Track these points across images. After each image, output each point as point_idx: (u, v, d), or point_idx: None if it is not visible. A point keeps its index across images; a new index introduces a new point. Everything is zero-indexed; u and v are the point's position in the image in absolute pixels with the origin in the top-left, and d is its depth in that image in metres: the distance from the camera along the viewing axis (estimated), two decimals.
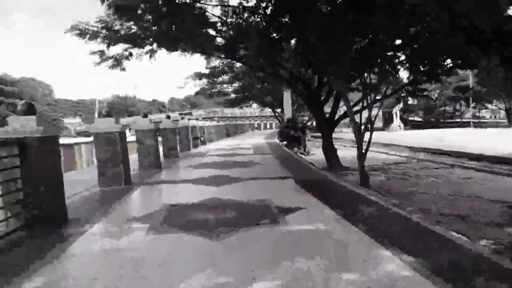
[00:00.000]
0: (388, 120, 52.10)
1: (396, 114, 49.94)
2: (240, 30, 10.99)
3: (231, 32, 11.48)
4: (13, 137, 4.23)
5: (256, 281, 2.79)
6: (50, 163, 4.65)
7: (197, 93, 35.36)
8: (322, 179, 7.96)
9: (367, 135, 9.94)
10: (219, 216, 4.77)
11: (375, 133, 10.74)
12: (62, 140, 27.20)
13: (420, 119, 64.51)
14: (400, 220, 4.48)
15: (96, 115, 52.02)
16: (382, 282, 2.71)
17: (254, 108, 63.18)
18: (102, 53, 11.77)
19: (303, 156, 17.33)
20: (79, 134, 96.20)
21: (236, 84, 27.74)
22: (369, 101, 10.29)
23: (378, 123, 55.54)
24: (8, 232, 4.02)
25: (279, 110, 32.18)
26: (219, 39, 12.60)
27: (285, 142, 18.20)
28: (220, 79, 26.83)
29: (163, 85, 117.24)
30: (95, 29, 11.23)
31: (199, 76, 25.58)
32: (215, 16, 11.12)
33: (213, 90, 29.39)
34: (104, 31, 11.23)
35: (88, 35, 11.21)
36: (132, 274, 3.10)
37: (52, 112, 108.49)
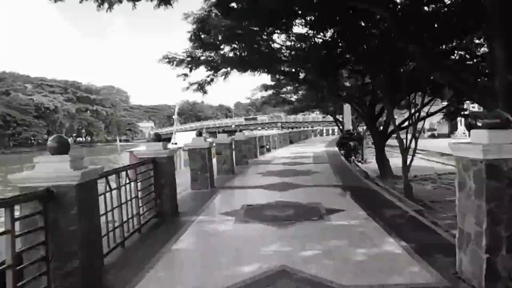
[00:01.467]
0: (454, 127, 51.15)
1: (460, 121, 48.95)
2: (302, 57, 13.08)
3: (294, 58, 13.58)
4: (150, 157, 6.56)
5: (305, 250, 4.77)
6: (170, 174, 6.96)
7: (263, 103, 37.77)
8: (364, 187, 9.74)
9: (425, 142, 11.40)
10: (283, 213, 6.81)
11: (436, 140, 12.13)
12: (135, 149, 30.50)
13: None
14: (411, 220, 6.26)
15: (175, 117, 56.67)
16: (382, 255, 4.58)
17: (317, 114, 64.28)
18: (185, 75, 14.34)
19: (359, 164, 18.93)
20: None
21: (300, 93, 29.63)
22: (414, 119, 11.83)
23: (444, 130, 54.59)
24: (147, 220, 6.31)
25: (340, 116, 33.63)
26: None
27: (343, 152, 19.85)
28: (284, 89, 28.92)
29: (230, 89, 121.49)
30: (181, 57, 13.79)
31: (265, 87, 27.90)
32: (282, 46, 13.30)
33: (278, 99, 31.59)
34: (188, 59, 13.75)
35: (175, 62, 13.80)
36: (228, 245, 5.23)
37: (129, 117, 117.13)
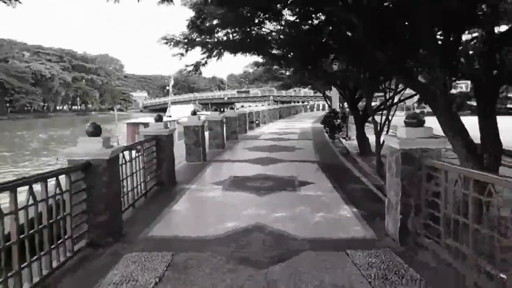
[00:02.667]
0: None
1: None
2: (288, 43, 14.20)
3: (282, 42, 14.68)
4: (153, 135, 7.83)
5: (276, 213, 6.14)
6: (169, 148, 8.25)
7: (254, 80, 38.79)
8: (338, 164, 11.13)
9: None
10: (263, 184, 8.18)
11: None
12: (132, 120, 31.76)
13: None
14: (368, 192, 7.65)
15: (171, 90, 57.51)
16: (336, 218, 5.96)
17: (308, 89, 65.16)
18: (181, 55, 15.39)
19: (344, 140, 20.29)
20: (146, 107, 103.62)
21: (290, 69, 30.62)
22: (388, 104, 13.12)
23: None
24: (150, 187, 7.62)
25: (330, 92, 34.75)
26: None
27: (327, 129, 21.15)
28: (275, 66, 29.92)
29: (223, 62, 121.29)
30: (178, 39, 14.82)
31: (257, 65, 28.88)
32: (271, 31, 14.37)
33: (269, 76, 32.64)
34: (185, 40, 14.79)
35: (173, 43, 14.83)
36: (216, 207, 6.60)
37: (123, 86, 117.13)
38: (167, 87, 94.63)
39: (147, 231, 5.33)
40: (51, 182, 3.96)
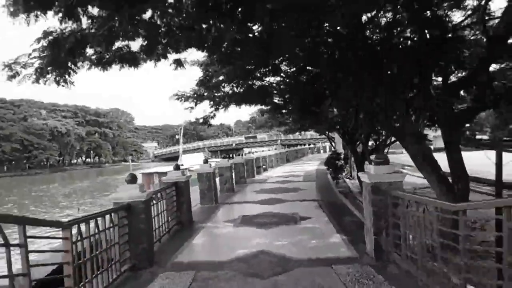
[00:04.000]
0: None
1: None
2: (288, 91, 15.84)
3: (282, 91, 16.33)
4: (173, 181, 9.23)
5: (279, 241, 7.39)
6: (187, 193, 9.62)
7: (260, 126, 40.42)
8: (337, 202, 12.35)
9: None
10: (269, 220, 9.44)
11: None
12: (145, 170, 33.50)
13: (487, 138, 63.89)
14: (358, 224, 8.87)
15: (181, 139, 59.74)
16: (327, 243, 7.19)
17: (313, 131, 66.66)
18: (191, 108, 17.07)
19: (348, 180, 21.49)
20: (156, 157, 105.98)
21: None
22: (381, 145, 14.50)
23: (440, 143, 56.93)
24: (172, 226, 8.91)
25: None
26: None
27: (330, 170, 22.44)
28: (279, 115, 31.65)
29: (230, 109, 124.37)
30: (188, 95, 16.55)
31: (262, 112, 30.67)
32: (271, 83, 16.07)
33: (274, 122, 34.31)
34: (195, 95, 16.50)
35: (183, 98, 16.55)
36: (228, 240, 7.87)
37: (134, 138, 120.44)
38: (177, 136, 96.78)
39: (173, 258, 6.62)
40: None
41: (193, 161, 30.39)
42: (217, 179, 14.62)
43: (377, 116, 9.32)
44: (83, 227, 4.66)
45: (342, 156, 23.26)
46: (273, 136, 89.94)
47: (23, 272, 3.33)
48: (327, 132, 37.03)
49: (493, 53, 7.14)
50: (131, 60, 8.22)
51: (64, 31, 5.91)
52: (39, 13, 5.11)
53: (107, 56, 7.87)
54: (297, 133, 68.50)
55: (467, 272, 3.88)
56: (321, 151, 62.51)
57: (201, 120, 16.65)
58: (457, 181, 7.88)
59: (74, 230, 4.40)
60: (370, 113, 9.72)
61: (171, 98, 16.64)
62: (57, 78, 6.70)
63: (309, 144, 68.84)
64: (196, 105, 16.84)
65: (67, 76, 6.79)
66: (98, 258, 4.99)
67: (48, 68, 6.40)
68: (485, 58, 7.32)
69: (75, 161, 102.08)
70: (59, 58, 6.20)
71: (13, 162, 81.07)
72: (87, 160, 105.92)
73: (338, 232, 7.96)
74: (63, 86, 6.73)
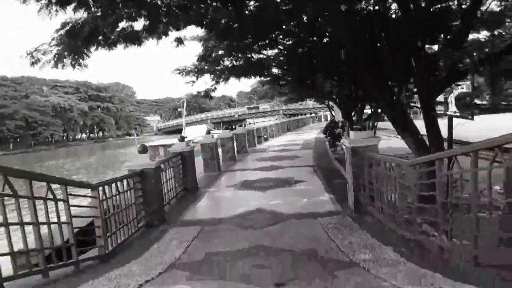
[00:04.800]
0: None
1: (451, 102, 51.68)
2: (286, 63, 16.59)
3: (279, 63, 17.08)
4: (178, 151, 10.19)
5: (275, 200, 8.39)
6: (191, 162, 10.59)
7: (261, 97, 41.13)
8: (331, 167, 13.31)
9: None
10: (266, 184, 10.43)
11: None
12: (150, 143, 34.50)
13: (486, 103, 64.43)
14: (346, 185, 9.84)
15: (184, 112, 60.75)
16: (316, 201, 8.18)
17: (314, 101, 67.18)
18: (193, 82, 17.88)
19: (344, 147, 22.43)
20: (160, 130, 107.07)
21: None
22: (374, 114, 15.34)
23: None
24: (178, 192, 9.92)
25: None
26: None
27: (328, 138, 23.36)
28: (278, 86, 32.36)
29: (232, 80, 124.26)
30: (190, 69, 17.32)
31: (262, 83, 31.37)
32: (269, 56, 16.78)
33: (274, 92, 35.04)
34: (196, 69, 17.28)
35: (184, 72, 17.34)
36: (229, 201, 8.89)
37: (136, 111, 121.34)
38: (179, 109, 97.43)
39: (181, 217, 7.67)
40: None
41: (196, 133, 31.22)
42: (220, 150, 15.56)
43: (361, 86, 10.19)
44: (107, 189, 5.65)
45: (340, 124, 24.11)
46: (275, 106, 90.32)
47: (67, 221, 4.31)
48: (326, 102, 37.88)
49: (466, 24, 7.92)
50: (135, 38, 9.00)
51: (78, 21, 6.73)
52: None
53: (112, 37, 8.65)
54: (298, 103, 69.10)
55: (419, 213, 4.83)
56: (322, 120, 63.19)
57: (202, 93, 17.49)
58: (432, 143, 8.79)
59: (101, 192, 5.39)
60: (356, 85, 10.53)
61: (173, 72, 17.42)
62: (73, 62, 7.55)
63: (311, 114, 69.50)
64: (197, 78, 17.63)
65: (81, 60, 7.64)
66: (120, 215, 6.00)
67: (65, 54, 7.24)
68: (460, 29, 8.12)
69: (79, 136, 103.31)
70: (75, 45, 7.05)
71: (18, 140, 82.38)
72: (91, 135, 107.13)
73: (327, 192, 8.95)
74: (78, 69, 7.58)
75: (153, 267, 4.73)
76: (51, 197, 4.08)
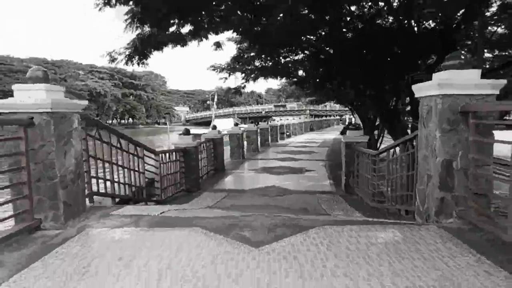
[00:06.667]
0: None
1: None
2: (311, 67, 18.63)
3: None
4: (211, 138, 12.43)
5: (286, 181, 10.53)
6: (221, 148, 12.83)
7: (287, 97, 42.97)
8: (339, 162, 15.30)
9: None
10: (282, 170, 12.58)
11: None
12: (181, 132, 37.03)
13: None
14: None
15: (214, 105, 63.73)
16: (319, 184, 10.27)
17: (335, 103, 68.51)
18: (225, 79, 20.14)
19: None
20: (188, 121, 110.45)
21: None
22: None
23: None
24: (209, 171, 12.16)
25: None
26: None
27: None
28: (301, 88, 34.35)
29: (260, 79, 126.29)
30: (223, 67, 19.58)
31: (290, 83, 33.45)
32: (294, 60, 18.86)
33: (301, 93, 37.04)
34: (228, 67, 19.52)
35: (219, 69, 19.61)
36: (250, 180, 11.09)
37: (166, 101, 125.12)
38: (208, 102, 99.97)
39: (213, 186, 9.93)
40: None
41: (224, 126, 33.64)
42: (245, 142, 17.78)
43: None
44: (163, 157, 7.91)
45: (357, 126, 26.05)
46: (302, 105, 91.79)
47: (142, 171, 6.57)
48: (349, 105, 39.68)
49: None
50: (181, 40, 11.29)
51: (145, 33, 9.06)
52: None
53: (164, 40, 10.93)
54: (323, 104, 70.68)
55: (381, 195, 6.89)
56: (347, 122, 64.63)
57: (233, 90, 19.74)
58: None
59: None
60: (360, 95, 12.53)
61: (208, 69, 19.72)
62: (139, 62, 9.91)
63: (335, 116, 70.93)
64: (229, 75, 19.88)
65: (145, 60, 9.99)
66: (170, 178, 8.26)
67: (135, 55, 9.60)
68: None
69: (111, 122, 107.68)
70: (142, 49, 9.39)
71: None
72: (121, 121, 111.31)
73: (329, 179, 11.04)
74: (142, 66, 9.93)
75: (195, 207, 6.97)
76: (139, 154, 6.34)
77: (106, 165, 5.34)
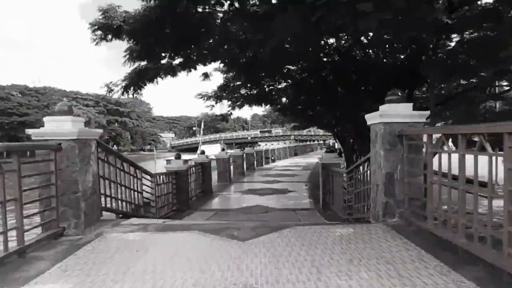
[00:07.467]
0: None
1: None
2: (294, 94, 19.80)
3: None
4: (199, 162, 13.32)
5: (270, 201, 11.42)
6: (208, 171, 13.71)
7: (273, 122, 44.20)
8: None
9: None
10: (266, 191, 13.47)
11: None
12: (169, 159, 37.74)
13: None
14: None
15: (201, 131, 64.83)
16: (300, 202, 11.18)
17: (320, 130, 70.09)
18: (212, 106, 21.16)
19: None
20: (173, 147, 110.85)
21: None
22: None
23: None
24: (198, 193, 12.98)
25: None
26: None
27: None
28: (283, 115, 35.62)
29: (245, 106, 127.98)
30: (210, 95, 20.63)
31: (274, 110, 34.69)
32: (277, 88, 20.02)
33: (284, 120, 38.29)
34: (215, 95, 20.56)
35: (206, 97, 20.64)
36: (236, 200, 11.96)
37: (151, 128, 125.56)
38: (194, 128, 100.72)
39: (201, 207, 10.78)
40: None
41: (211, 151, 34.53)
42: (231, 166, 18.68)
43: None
44: (158, 179, 8.76)
45: (338, 151, 27.20)
46: (287, 131, 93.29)
47: (140, 191, 7.40)
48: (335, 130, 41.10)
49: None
50: (172, 72, 12.26)
51: (142, 67, 10.05)
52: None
53: (158, 72, 11.88)
54: (307, 130, 72.27)
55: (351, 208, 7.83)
56: (330, 146, 66.10)
57: (220, 117, 20.73)
58: None
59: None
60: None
61: (196, 97, 20.69)
62: (133, 92, 10.85)
63: (319, 141, 72.50)
64: (216, 103, 20.90)
65: (139, 90, 10.94)
66: (163, 198, 9.08)
67: (130, 87, 10.55)
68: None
69: None
70: (137, 81, 10.36)
71: None
72: None
73: (309, 198, 11.98)
74: (136, 96, 10.85)
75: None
76: (137, 175, 7.20)
77: (112, 184, 6.19)
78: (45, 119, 4.58)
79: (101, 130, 5.17)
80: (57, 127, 4.47)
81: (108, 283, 2.93)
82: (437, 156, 3.64)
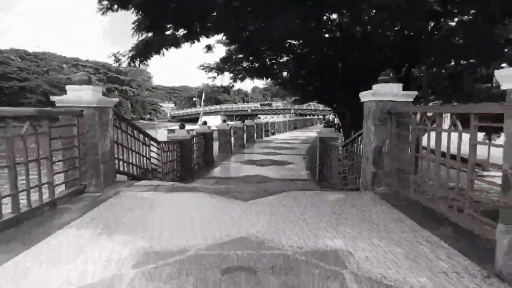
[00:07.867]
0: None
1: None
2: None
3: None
4: (201, 132, 13.80)
5: (269, 171, 11.96)
6: (211, 142, 14.19)
7: (273, 96, 44.35)
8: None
9: None
10: (265, 162, 14.01)
11: None
12: (171, 127, 38.20)
13: None
14: None
15: (202, 102, 65.07)
16: (297, 174, 11.73)
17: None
18: (214, 78, 21.47)
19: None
20: (173, 117, 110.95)
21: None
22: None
23: None
24: (200, 162, 13.51)
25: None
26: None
27: None
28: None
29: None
30: (212, 66, 20.91)
31: (275, 84, 34.90)
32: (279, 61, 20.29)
33: (284, 93, 38.53)
34: (217, 67, 20.86)
35: (208, 69, 20.93)
36: (236, 169, 12.51)
37: (152, 97, 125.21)
38: (194, 99, 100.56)
39: (203, 175, 11.31)
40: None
41: (213, 122, 34.96)
42: (232, 138, 19.17)
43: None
44: (164, 146, 9.26)
45: (336, 126, 27.67)
46: (287, 105, 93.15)
47: (149, 157, 7.91)
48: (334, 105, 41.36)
49: None
50: (175, 43, 12.58)
51: (148, 39, 10.39)
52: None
53: (163, 44, 12.20)
54: (311, 103, 72.41)
55: (345, 179, 8.36)
56: (330, 121, 66.50)
57: (222, 89, 21.09)
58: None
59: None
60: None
61: (198, 68, 20.97)
62: (140, 62, 11.21)
63: (319, 115, 72.81)
64: (218, 75, 21.18)
65: (145, 61, 11.30)
66: (168, 164, 9.59)
67: (137, 57, 10.91)
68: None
69: None
70: (144, 52, 10.71)
71: None
72: None
73: (307, 170, 12.52)
74: (143, 66, 11.23)
75: None
76: (146, 142, 7.70)
77: (124, 149, 6.70)
78: (67, 87, 5.01)
79: (117, 99, 5.63)
80: (78, 95, 4.92)
81: (130, 228, 3.46)
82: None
